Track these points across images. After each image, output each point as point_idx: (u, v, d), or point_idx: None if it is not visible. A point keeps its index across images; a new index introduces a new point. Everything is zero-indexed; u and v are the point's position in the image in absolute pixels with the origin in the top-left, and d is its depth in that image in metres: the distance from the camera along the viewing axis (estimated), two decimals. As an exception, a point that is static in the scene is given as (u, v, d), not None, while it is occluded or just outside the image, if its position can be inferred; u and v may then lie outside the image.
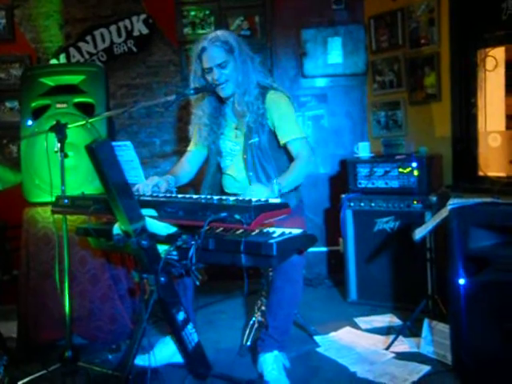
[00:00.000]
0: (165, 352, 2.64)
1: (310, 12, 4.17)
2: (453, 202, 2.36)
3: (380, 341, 2.91)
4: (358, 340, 2.96)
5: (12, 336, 3.01)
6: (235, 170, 2.73)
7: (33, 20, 4.18)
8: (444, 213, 2.40)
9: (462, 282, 2.27)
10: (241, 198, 1.97)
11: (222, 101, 2.73)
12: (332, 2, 4.14)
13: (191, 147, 2.88)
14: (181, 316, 2.18)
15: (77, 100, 3.06)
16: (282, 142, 2.61)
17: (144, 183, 2.47)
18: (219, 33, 2.61)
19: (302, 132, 2.63)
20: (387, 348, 2.78)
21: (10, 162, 3.74)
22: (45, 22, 4.17)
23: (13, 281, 3.15)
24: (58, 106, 3.04)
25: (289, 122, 2.60)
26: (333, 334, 3.06)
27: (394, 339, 2.82)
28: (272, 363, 2.47)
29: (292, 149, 2.59)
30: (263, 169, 2.63)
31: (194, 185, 2.89)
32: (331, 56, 4.17)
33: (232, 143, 2.73)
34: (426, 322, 2.76)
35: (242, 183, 2.70)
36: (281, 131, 2.60)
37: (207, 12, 4.19)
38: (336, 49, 4.16)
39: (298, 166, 2.52)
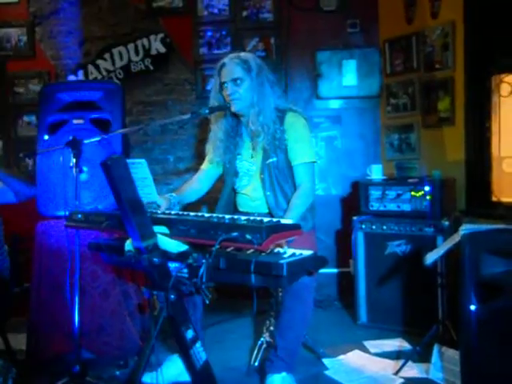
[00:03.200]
0: (172, 370, 2.63)
1: (326, 34, 4.22)
2: (465, 228, 2.34)
3: (389, 365, 2.88)
4: (366, 364, 2.93)
5: (22, 348, 3.02)
6: (252, 190, 2.74)
7: (53, 37, 4.27)
8: (456, 238, 2.38)
9: (473, 308, 2.24)
10: (252, 218, 1.97)
11: (239, 120, 2.76)
12: (347, 25, 4.19)
13: (205, 165, 2.89)
14: (189, 334, 2.17)
15: (93, 116, 3.10)
16: (291, 164, 2.66)
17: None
18: (242, 53, 2.71)
19: (313, 156, 2.67)
20: (396, 373, 2.75)
21: (26, 176, 3.79)
22: (65, 40, 4.26)
23: (24, 293, 3.16)
24: (75, 121, 3.08)
25: (301, 145, 2.63)
26: (342, 356, 3.04)
27: (404, 364, 2.78)
28: (280, 384, 2.45)
29: (297, 174, 2.65)
30: (281, 188, 2.65)
31: (210, 203, 2.89)
32: (346, 78, 4.20)
33: (248, 163, 2.75)
34: (436, 347, 2.73)
35: (258, 203, 2.71)
36: (292, 154, 2.64)
37: (223, 33, 4.25)
38: (351, 71, 4.19)
39: (298, 202, 2.55)
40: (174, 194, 2.63)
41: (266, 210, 2.70)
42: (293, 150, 2.64)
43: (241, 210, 2.81)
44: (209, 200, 2.92)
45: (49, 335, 2.97)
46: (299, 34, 4.24)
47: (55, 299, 2.93)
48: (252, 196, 2.75)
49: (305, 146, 2.65)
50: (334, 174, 4.29)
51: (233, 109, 2.64)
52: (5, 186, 2.82)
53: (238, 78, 2.59)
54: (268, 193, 2.66)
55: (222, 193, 2.84)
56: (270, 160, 2.65)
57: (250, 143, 2.75)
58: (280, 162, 2.65)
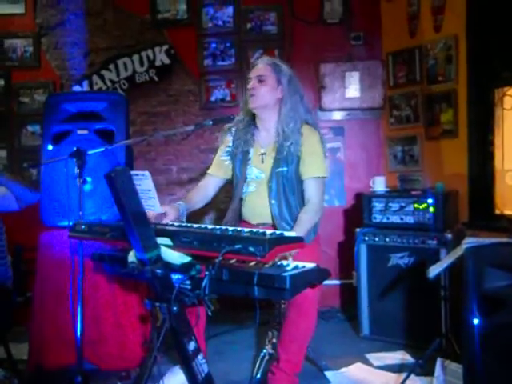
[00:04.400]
0: (174, 382, 2.62)
1: (329, 47, 4.25)
2: (468, 241, 2.34)
3: (392, 378, 2.87)
4: (369, 377, 2.91)
5: (23, 358, 3.02)
6: (257, 197, 2.73)
7: (59, 48, 4.30)
8: (459, 251, 2.38)
9: (476, 321, 2.23)
10: (255, 230, 1.98)
11: (255, 123, 2.77)
12: (351, 37, 4.21)
13: (212, 171, 2.88)
14: (192, 346, 2.17)
15: (98, 127, 3.11)
16: (302, 177, 2.66)
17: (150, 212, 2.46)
18: (277, 59, 2.79)
19: (324, 171, 2.68)
20: (399, 386, 2.74)
21: (28, 182, 3.79)
22: (70, 50, 4.29)
23: (26, 303, 3.17)
24: (79, 132, 3.09)
25: (314, 160, 2.65)
26: (344, 369, 3.02)
27: (406, 377, 2.77)
28: (282, 397, 2.44)
29: (306, 188, 2.65)
30: (286, 199, 2.66)
31: (220, 209, 2.88)
32: (349, 90, 4.22)
33: (258, 170, 2.75)
34: (438, 361, 2.72)
35: (262, 210, 2.71)
36: (304, 167, 2.65)
37: (228, 44, 4.28)
38: (354, 83, 4.20)
39: (307, 217, 2.56)
40: (181, 203, 2.63)
41: (269, 220, 2.69)
42: (305, 164, 2.65)
43: (245, 219, 2.80)
44: (211, 211, 2.92)
45: (51, 345, 2.96)
46: (303, 47, 4.27)
47: (57, 309, 2.93)
48: (257, 203, 2.73)
49: (317, 161, 2.66)
50: (336, 185, 4.30)
51: (250, 105, 2.66)
52: (7, 191, 2.81)
53: (262, 75, 2.64)
54: (273, 201, 2.66)
55: (232, 202, 2.82)
56: (281, 169, 2.65)
57: (262, 148, 2.75)
58: (290, 172, 2.65)
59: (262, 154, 2.74)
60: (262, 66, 2.68)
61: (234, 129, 2.81)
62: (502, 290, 2.21)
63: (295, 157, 2.64)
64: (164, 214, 2.47)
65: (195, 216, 2.69)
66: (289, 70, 2.70)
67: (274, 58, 2.81)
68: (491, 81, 3.49)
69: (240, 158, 2.77)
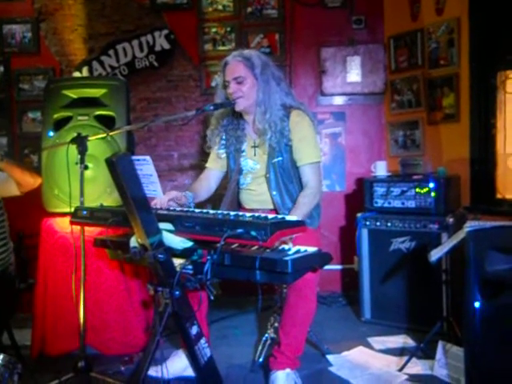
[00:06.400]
0: (177, 365, 2.64)
1: (330, 31, 4.21)
2: (470, 225, 2.34)
3: (393, 362, 2.88)
4: (371, 360, 2.93)
5: (26, 344, 3.04)
6: (257, 189, 2.74)
7: (58, 34, 4.27)
8: (461, 235, 2.38)
9: (477, 305, 2.24)
10: (257, 215, 1.98)
11: (242, 118, 2.76)
12: (352, 21, 4.18)
13: (210, 164, 2.89)
14: (194, 330, 2.18)
15: (98, 113, 3.10)
16: (297, 164, 2.66)
17: (161, 197, 2.49)
18: (246, 50, 2.69)
19: (318, 156, 2.67)
20: (400, 369, 2.76)
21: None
22: (69, 36, 4.26)
23: (29, 289, 3.18)
24: (80, 118, 3.09)
25: (306, 145, 2.64)
26: (346, 353, 3.04)
27: (408, 361, 2.79)
28: (284, 381, 2.46)
29: (303, 174, 2.66)
30: (286, 188, 2.66)
31: (215, 200, 2.90)
32: (350, 74, 4.19)
33: (252, 161, 2.74)
34: (440, 344, 2.73)
35: (263, 198, 2.71)
36: (297, 154, 2.65)
37: (228, 29, 4.25)
38: (355, 67, 4.18)
39: (305, 201, 2.56)
40: (189, 192, 2.63)
41: (271, 206, 2.70)
42: (298, 151, 2.64)
43: (246, 207, 2.81)
44: (213, 197, 2.92)
45: (54, 331, 2.98)
46: (304, 31, 4.23)
47: (60, 295, 2.95)
48: (256, 191, 2.74)
49: (310, 146, 2.65)
50: (338, 170, 4.29)
51: (237, 108, 2.64)
52: (8, 177, 2.80)
53: (240, 76, 2.59)
54: (274, 192, 2.66)
55: (227, 190, 2.84)
56: (276, 159, 2.65)
57: (254, 141, 2.74)
58: (285, 161, 2.65)
59: (255, 146, 2.73)
60: (234, 64, 2.61)
61: (222, 131, 2.79)
62: (503, 273, 2.22)
63: (288, 144, 2.63)
64: (173, 200, 2.48)
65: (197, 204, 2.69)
66: (259, 58, 2.63)
67: (241, 50, 2.71)
68: (493, 64, 3.47)
69: (233, 151, 2.77)
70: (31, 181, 2.84)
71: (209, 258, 1.90)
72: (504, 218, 2.66)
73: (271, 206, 2.70)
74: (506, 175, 3.47)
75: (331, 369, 2.85)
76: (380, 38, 4.20)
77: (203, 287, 1.99)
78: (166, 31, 4.20)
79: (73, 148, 2.55)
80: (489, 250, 2.25)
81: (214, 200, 2.88)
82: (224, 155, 2.82)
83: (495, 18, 3.43)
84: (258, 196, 2.74)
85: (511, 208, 3.24)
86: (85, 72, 4.13)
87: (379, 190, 3.54)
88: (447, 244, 2.55)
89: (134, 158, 2.17)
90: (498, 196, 3.44)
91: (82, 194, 2.56)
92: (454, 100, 3.71)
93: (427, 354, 2.86)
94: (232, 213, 2.10)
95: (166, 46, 4.22)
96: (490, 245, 2.26)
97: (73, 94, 3.16)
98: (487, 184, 3.53)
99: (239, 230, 1.80)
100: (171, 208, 2.43)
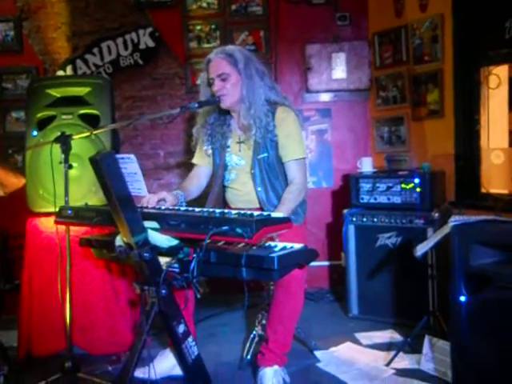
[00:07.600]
0: (164, 364, 2.64)
1: (315, 28, 4.21)
2: (455, 220, 2.36)
3: (380, 357, 2.90)
4: (358, 356, 2.95)
5: (13, 345, 3.01)
6: (240, 185, 2.74)
7: (41, 32, 4.22)
8: (446, 230, 2.40)
9: (462, 299, 2.26)
10: (242, 212, 1.97)
11: (228, 114, 2.75)
12: (336, 18, 4.18)
13: (198, 161, 2.88)
14: (181, 329, 2.18)
15: (82, 111, 3.08)
16: (282, 160, 2.67)
17: (150, 196, 2.47)
18: (227, 46, 2.69)
19: (303, 152, 2.68)
20: (388, 364, 2.77)
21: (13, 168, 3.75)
22: (52, 34, 4.21)
23: (14, 290, 3.15)
24: (64, 117, 3.06)
25: (292, 142, 2.64)
26: (333, 349, 3.05)
27: (395, 355, 2.81)
28: (272, 377, 2.47)
29: (288, 171, 2.66)
30: (272, 184, 2.66)
31: (200, 198, 2.89)
32: (335, 71, 4.20)
33: (237, 157, 2.74)
34: (426, 338, 2.75)
35: (248, 197, 2.71)
36: (283, 151, 2.65)
37: (213, 26, 4.23)
38: (340, 64, 4.18)
39: (291, 197, 2.57)
40: (180, 191, 2.62)
41: (257, 205, 2.70)
42: (283, 147, 2.64)
43: (232, 206, 2.80)
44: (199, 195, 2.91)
45: (40, 332, 2.96)
46: (289, 28, 4.23)
47: (46, 295, 2.92)
48: (241, 190, 2.74)
49: (295, 143, 2.65)
50: (324, 167, 4.30)
51: (222, 105, 2.64)
52: None
53: (223, 73, 2.59)
54: (259, 188, 2.66)
55: (212, 186, 2.84)
56: (261, 155, 2.65)
57: (239, 137, 2.74)
58: (271, 157, 2.65)
59: (240, 142, 2.73)
60: (217, 62, 2.60)
61: (209, 128, 2.78)
62: (488, 266, 2.24)
63: (273, 140, 2.63)
64: (164, 200, 2.47)
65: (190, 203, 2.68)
66: (241, 53, 2.63)
67: (224, 46, 2.71)
68: (477, 60, 3.50)
69: (218, 147, 2.77)
70: (15, 181, 2.82)
71: (195, 255, 1.90)
72: (488, 213, 2.68)
73: (257, 205, 2.70)
74: (490, 170, 3.50)
75: (319, 365, 2.86)
76: (364, 34, 4.21)
77: (190, 286, 1.99)
78: (150, 29, 4.17)
79: (57, 147, 2.53)
80: (473, 244, 2.27)
81: (200, 197, 2.86)
82: (210, 151, 2.82)
83: (478, 15, 3.45)
84: (243, 196, 2.74)
85: (495, 202, 3.26)
86: (69, 71, 4.09)
87: (365, 186, 3.55)
88: (432, 239, 2.57)
89: (118, 156, 2.16)
90: (483, 191, 3.46)
91: (66, 194, 2.54)
92: (438, 96, 3.73)
93: (414, 348, 2.88)
94: (217, 210, 2.10)
95: (151, 43, 4.19)
96: (474, 239, 2.28)
97: (56, 92, 3.13)
98: (472, 179, 3.56)
99: (224, 228, 1.79)
100: (157, 206, 2.41)
